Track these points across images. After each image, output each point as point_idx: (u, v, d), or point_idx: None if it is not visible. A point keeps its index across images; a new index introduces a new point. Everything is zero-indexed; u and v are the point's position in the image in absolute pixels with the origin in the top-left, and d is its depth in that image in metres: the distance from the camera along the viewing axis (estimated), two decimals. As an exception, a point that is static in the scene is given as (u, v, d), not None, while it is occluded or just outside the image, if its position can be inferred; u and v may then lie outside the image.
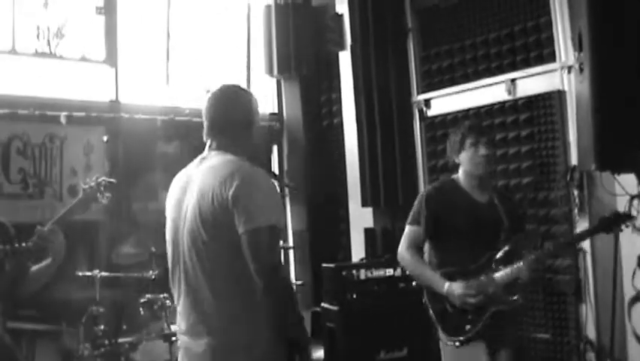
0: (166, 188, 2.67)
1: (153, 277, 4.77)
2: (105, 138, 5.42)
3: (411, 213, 3.37)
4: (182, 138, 5.74)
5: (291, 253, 6.37)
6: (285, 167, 6.58)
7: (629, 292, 3.97)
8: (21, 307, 4.07)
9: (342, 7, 5.94)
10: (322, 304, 4.87)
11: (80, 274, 4.62)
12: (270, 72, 6.28)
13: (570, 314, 4.53)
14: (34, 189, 5.07)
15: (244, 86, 2.99)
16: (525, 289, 3.39)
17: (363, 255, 5.57)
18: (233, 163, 2.38)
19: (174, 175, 2.65)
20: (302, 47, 6.22)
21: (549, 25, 4.68)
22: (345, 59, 5.89)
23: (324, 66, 6.40)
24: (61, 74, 5.40)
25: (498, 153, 4.53)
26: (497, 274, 3.13)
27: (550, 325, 4.60)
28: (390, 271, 4.85)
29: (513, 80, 4.89)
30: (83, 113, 5.30)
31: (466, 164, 3.29)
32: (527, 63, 4.85)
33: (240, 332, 2.32)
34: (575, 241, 4.08)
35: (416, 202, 3.37)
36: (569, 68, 4.50)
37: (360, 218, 5.76)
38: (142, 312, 4.66)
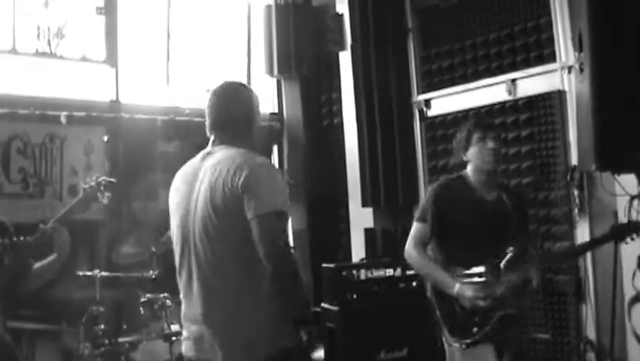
0: (166, 188, 2.69)
1: (153, 276, 4.76)
2: (105, 138, 5.43)
3: (419, 210, 3.36)
4: (183, 138, 5.74)
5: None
6: (285, 167, 6.58)
7: (629, 293, 3.96)
8: (21, 307, 4.07)
9: (342, 7, 5.94)
10: (322, 305, 4.87)
11: (80, 273, 4.62)
12: (271, 72, 6.28)
13: (570, 314, 4.53)
14: (35, 188, 5.06)
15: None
16: (533, 291, 3.38)
17: (363, 255, 5.57)
18: (242, 154, 2.46)
19: (174, 175, 2.69)
20: (302, 47, 6.22)
21: (549, 25, 4.69)
22: (345, 58, 5.89)
23: (324, 66, 6.40)
24: (62, 73, 5.40)
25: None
26: (507, 277, 3.10)
27: (551, 325, 4.60)
28: (390, 272, 4.85)
29: (513, 81, 4.89)
30: (83, 113, 5.30)
31: (474, 159, 3.27)
32: (527, 63, 4.85)
33: (248, 316, 2.38)
34: (585, 250, 3.97)
35: (424, 198, 3.36)
36: (569, 68, 4.50)
37: (361, 218, 5.76)
38: (142, 312, 4.66)
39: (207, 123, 2.61)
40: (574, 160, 4.46)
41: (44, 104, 5.14)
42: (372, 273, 4.82)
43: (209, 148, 2.59)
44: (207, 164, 2.50)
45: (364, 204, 5.64)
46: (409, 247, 3.32)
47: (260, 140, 2.71)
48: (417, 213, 3.36)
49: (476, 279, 3.12)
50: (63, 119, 5.18)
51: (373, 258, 5.38)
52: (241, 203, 2.34)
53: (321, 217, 6.37)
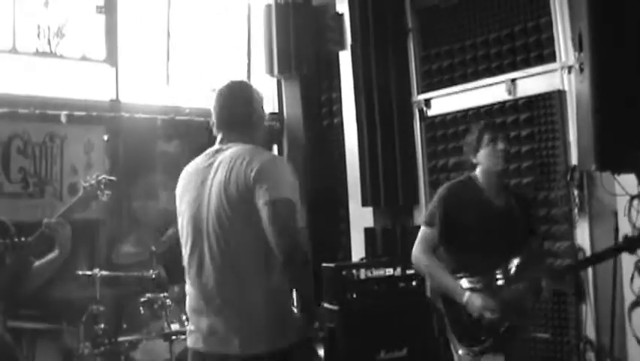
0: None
1: (153, 276, 4.77)
2: (105, 137, 5.43)
3: (427, 214, 3.33)
4: (182, 137, 5.74)
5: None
6: (285, 166, 6.57)
7: (628, 292, 3.97)
8: (22, 307, 4.07)
9: (342, 6, 5.94)
10: (322, 304, 4.87)
11: (80, 273, 4.63)
12: (271, 72, 6.28)
13: (570, 314, 4.53)
14: (35, 188, 5.06)
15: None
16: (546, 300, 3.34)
17: (363, 254, 5.57)
18: (253, 150, 2.54)
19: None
20: (302, 47, 6.22)
21: (549, 25, 4.69)
22: (345, 58, 5.89)
23: (324, 66, 6.40)
24: (62, 73, 5.40)
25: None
26: (515, 287, 3.06)
27: (550, 324, 4.60)
28: (390, 271, 4.85)
29: (513, 80, 4.90)
30: (83, 113, 5.30)
31: (484, 161, 3.26)
32: (527, 63, 4.85)
33: (262, 306, 2.43)
34: (598, 261, 3.87)
35: (432, 202, 3.33)
36: (569, 68, 4.50)
37: (361, 218, 5.76)
38: (142, 311, 4.66)
39: (214, 122, 2.67)
40: (574, 160, 4.46)
41: (44, 104, 5.14)
42: (372, 272, 4.81)
43: (217, 146, 2.64)
44: (219, 158, 2.55)
45: (364, 204, 5.64)
46: (417, 251, 3.28)
47: (263, 138, 2.75)
48: (424, 217, 3.33)
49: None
50: (63, 119, 5.18)
51: (373, 257, 5.38)
52: (253, 194, 2.40)
53: (321, 217, 6.37)
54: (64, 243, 2.92)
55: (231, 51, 6.42)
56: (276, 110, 6.68)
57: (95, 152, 5.35)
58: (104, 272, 4.64)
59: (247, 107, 2.66)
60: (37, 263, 2.98)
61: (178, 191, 2.69)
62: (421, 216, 5.59)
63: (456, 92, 5.36)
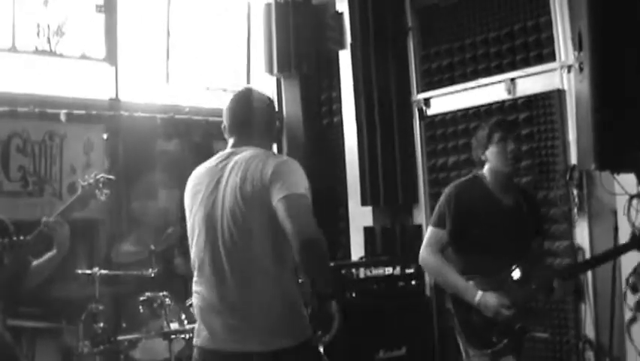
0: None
1: (153, 275, 4.77)
2: (105, 136, 5.42)
3: (435, 214, 3.26)
4: (182, 136, 5.74)
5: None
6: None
7: (628, 294, 3.98)
8: (21, 305, 4.07)
9: (342, 5, 5.94)
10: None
11: (80, 271, 4.63)
12: (270, 70, 6.27)
13: (569, 313, 4.54)
14: (34, 186, 5.06)
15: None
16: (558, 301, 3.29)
17: (362, 253, 5.57)
18: (266, 153, 2.64)
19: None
20: (302, 46, 6.21)
21: (549, 24, 4.69)
22: (345, 57, 5.88)
23: (324, 64, 6.40)
24: (62, 71, 5.39)
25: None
26: (527, 287, 3.04)
27: (549, 324, 4.60)
28: (389, 270, 4.85)
29: (513, 80, 4.90)
30: (82, 111, 5.30)
31: (493, 160, 3.20)
32: (527, 62, 4.85)
33: (277, 302, 2.47)
34: (606, 260, 3.70)
35: (440, 202, 3.26)
36: (569, 68, 4.50)
37: (360, 217, 5.76)
38: (141, 310, 4.66)
39: (226, 126, 2.75)
40: (573, 159, 4.46)
41: (44, 102, 5.14)
42: (371, 271, 4.82)
43: (230, 149, 2.69)
44: (234, 160, 2.60)
45: (364, 203, 5.63)
46: (426, 253, 3.22)
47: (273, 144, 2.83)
48: (433, 217, 3.27)
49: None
50: (63, 117, 5.18)
51: (372, 256, 5.38)
52: (268, 192, 2.45)
53: (321, 216, 6.34)
54: (63, 242, 2.93)
55: (231, 50, 6.41)
56: (276, 109, 6.67)
57: (95, 151, 5.35)
58: (104, 271, 4.64)
59: (262, 114, 2.74)
60: (35, 262, 2.98)
61: (188, 191, 2.70)
62: (420, 215, 5.61)
63: (456, 91, 5.35)
